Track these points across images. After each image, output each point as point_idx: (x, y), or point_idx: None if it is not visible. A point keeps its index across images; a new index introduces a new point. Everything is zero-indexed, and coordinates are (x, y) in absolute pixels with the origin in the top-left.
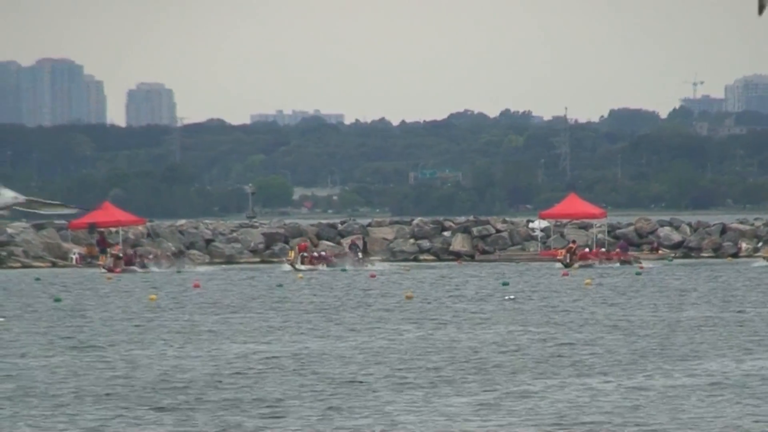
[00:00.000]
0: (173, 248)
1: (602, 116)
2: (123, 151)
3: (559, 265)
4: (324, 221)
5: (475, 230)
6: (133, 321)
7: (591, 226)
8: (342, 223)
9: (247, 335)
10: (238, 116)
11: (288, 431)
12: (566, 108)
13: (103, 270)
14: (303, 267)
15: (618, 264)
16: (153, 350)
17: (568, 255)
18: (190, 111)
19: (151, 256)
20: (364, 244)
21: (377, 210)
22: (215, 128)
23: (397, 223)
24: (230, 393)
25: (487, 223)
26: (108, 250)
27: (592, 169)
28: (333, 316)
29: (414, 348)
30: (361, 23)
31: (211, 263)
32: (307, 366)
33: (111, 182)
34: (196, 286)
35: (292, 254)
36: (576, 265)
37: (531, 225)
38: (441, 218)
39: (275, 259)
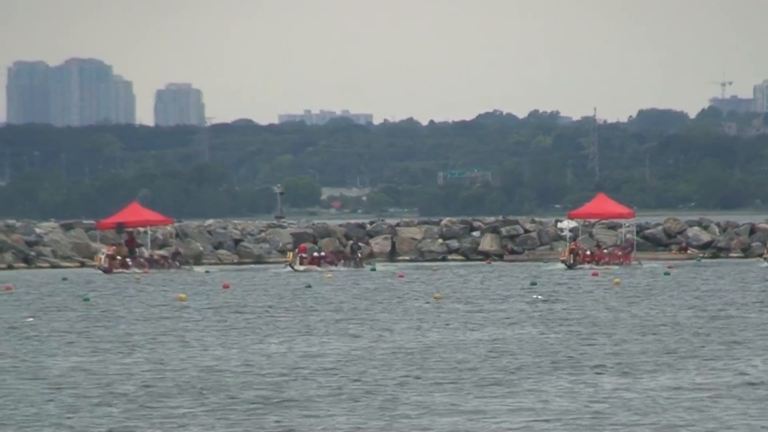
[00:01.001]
0: (168, 249)
1: (631, 116)
2: (151, 151)
3: (561, 266)
4: (352, 221)
5: (503, 230)
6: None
7: (620, 226)
8: (371, 223)
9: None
10: (266, 116)
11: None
12: (595, 108)
13: (99, 270)
14: (301, 268)
15: (619, 265)
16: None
17: (572, 256)
18: (218, 111)
19: (146, 255)
20: (359, 247)
21: (406, 210)
22: (243, 128)
23: (425, 223)
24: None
25: (516, 223)
26: (135, 250)
27: (620, 169)
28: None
29: (445, 348)
30: (390, 23)
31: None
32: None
33: (139, 182)
34: (226, 287)
35: (290, 255)
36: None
37: (559, 225)
38: (469, 218)
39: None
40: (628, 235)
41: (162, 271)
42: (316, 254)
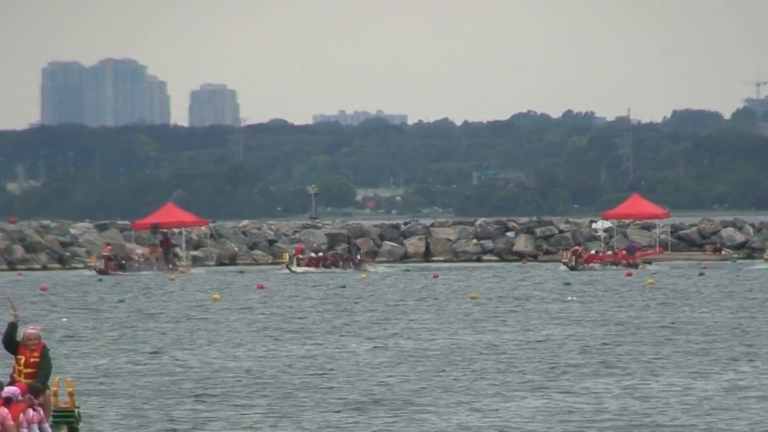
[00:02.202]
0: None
1: (665, 117)
2: (186, 151)
3: (564, 267)
4: (387, 222)
5: (538, 231)
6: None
7: (654, 226)
8: (405, 223)
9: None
10: (300, 117)
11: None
12: (629, 109)
13: (94, 272)
14: (299, 269)
15: (625, 267)
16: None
17: (574, 258)
18: (253, 111)
19: (142, 258)
20: (357, 248)
21: (440, 210)
22: (278, 129)
23: (460, 223)
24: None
25: (550, 223)
26: (170, 251)
27: (654, 169)
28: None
29: (479, 348)
30: (424, 24)
31: (206, 265)
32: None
33: (174, 183)
34: (260, 287)
35: (287, 257)
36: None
37: (594, 225)
38: (504, 219)
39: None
40: (662, 236)
41: (162, 271)
42: (313, 255)
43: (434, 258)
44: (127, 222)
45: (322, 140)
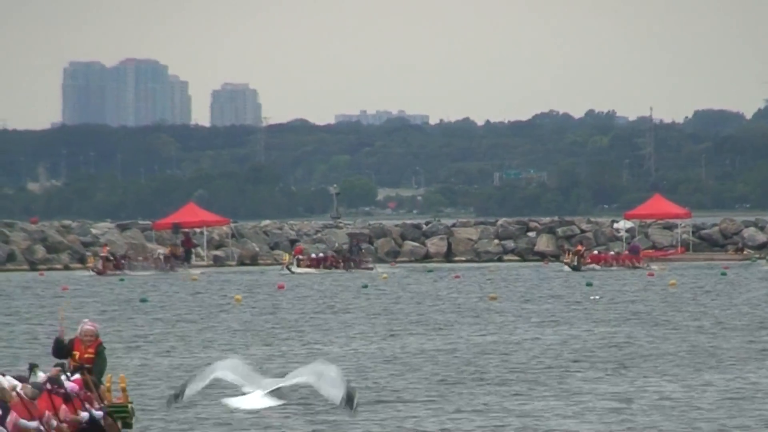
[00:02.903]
0: (161, 252)
1: (687, 117)
2: (207, 151)
3: (567, 268)
4: (408, 222)
5: (559, 230)
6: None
7: (675, 226)
8: (426, 223)
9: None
10: (322, 116)
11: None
12: (651, 108)
13: (92, 272)
14: (299, 270)
15: (629, 267)
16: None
17: (576, 258)
18: (274, 111)
19: (140, 258)
20: (359, 248)
21: (462, 210)
22: (299, 128)
23: (481, 223)
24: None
25: (572, 223)
26: (191, 250)
27: (676, 169)
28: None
29: (505, 348)
30: (446, 24)
31: (209, 265)
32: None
33: (195, 183)
34: (281, 287)
35: (286, 257)
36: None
37: (615, 225)
38: (526, 219)
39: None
40: (684, 236)
41: (160, 272)
42: (314, 256)
43: (456, 258)
44: (148, 222)
45: (344, 140)
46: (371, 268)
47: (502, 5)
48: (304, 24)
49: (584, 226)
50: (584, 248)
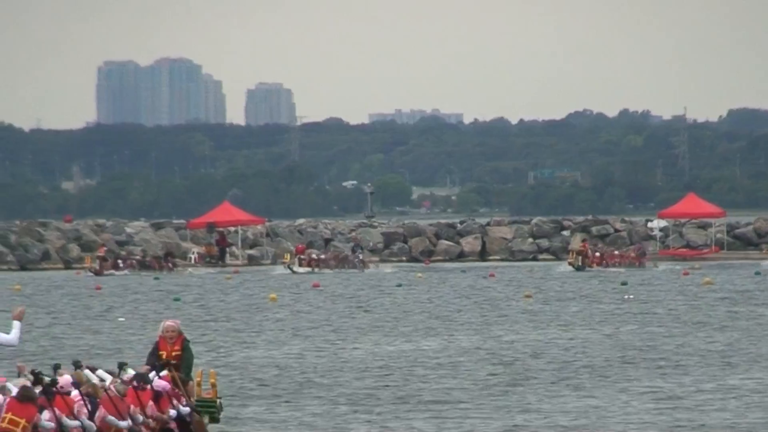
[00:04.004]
0: (160, 252)
1: (721, 116)
2: (242, 150)
3: (570, 269)
4: (443, 221)
5: (593, 230)
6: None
7: (710, 225)
8: (461, 222)
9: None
10: (356, 116)
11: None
12: (685, 107)
13: (90, 273)
14: (301, 270)
15: (636, 267)
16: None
17: (580, 257)
18: (308, 110)
19: (138, 258)
20: (361, 248)
21: (496, 209)
22: (334, 127)
23: (515, 222)
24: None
25: (606, 222)
26: (226, 249)
27: (710, 168)
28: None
29: (542, 347)
30: (479, 22)
31: (207, 265)
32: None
33: (230, 182)
34: (316, 286)
35: (288, 257)
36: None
37: (650, 224)
38: (560, 218)
39: (394, 259)
40: (718, 235)
41: (158, 272)
42: (315, 256)
43: (490, 257)
44: (182, 221)
45: (378, 139)
46: (375, 267)
47: (536, 4)
48: (338, 23)
49: (618, 226)
50: (587, 248)
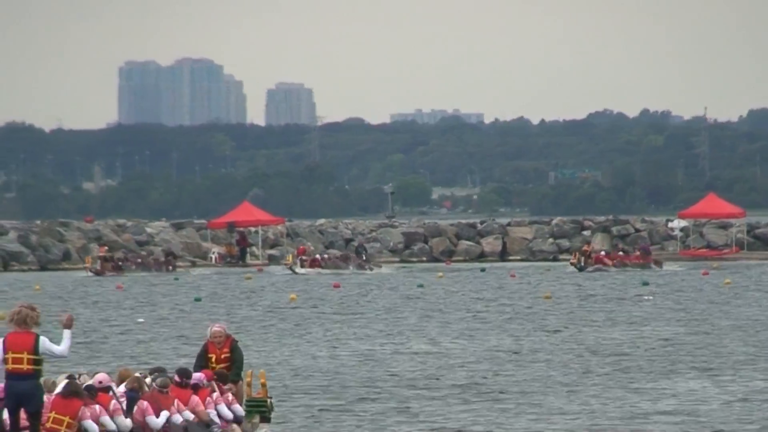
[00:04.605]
0: (162, 252)
1: (741, 116)
2: (262, 150)
3: (572, 269)
4: (463, 221)
5: (614, 230)
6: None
7: (730, 225)
8: (481, 222)
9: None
10: (377, 116)
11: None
12: (706, 108)
13: (90, 273)
14: (302, 270)
15: (639, 268)
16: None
17: (582, 258)
18: (329, 110)
19: (138, 261)
20: (364, 249)
21: (517, 209)
22: (354, 127)
23: (536, 222)
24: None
25: (627, 222)
26: (247, 249)
27: (731, 168)
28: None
29: (564, 348)
30: (500, 22)
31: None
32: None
33: (250, 182)
34: (336, 287)
35: (290, 258)
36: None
37: (670, 224)
38: (580, 218)
39: (414, 259)
40: (739, 235)
41: (156, 273)
42: (318, 256)
43: (510, 257)
44: (203, 221)
45: (399, 139)
46: (377, 267)
47: (556, 6)
48: (358, 23)
49: (639, 225)
50: (590, 248)
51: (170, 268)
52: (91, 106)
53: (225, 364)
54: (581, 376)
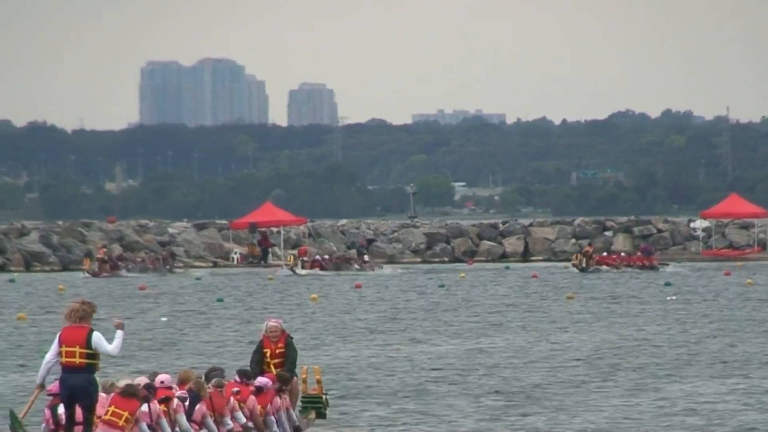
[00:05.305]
0: (162, 252)
1: (763, 116)
2: (284, 150)
3: (574, 270)
4: (485, 221)
5: (636, 230)
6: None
7: (752, 225)
8: (503, 223)
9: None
10: (399, 116)
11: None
12: (728, 108)
13: (87, 274)
14: (303, 272)
15: (639, 269)
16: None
17: (584, 259)
18: (351, 111)
19: (138, 260)
20: (366, 250)
21: (539, 210)
22: (376, 128)
23: (558, 223)
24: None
25: (649, 222)
26: (269, 250)
27: (753, 168)
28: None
29: (588, 348)
30: (522, 23)
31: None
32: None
33: (272, 182)
34: (358, 287)
35: (291, 259)
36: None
37: (692, 225)
38: (602, 218)
39: (436, 260)
40: (761, 235)
41: (158, 273)
42: (318, 258)
43: (533, 258)
44: (225, 221)
45: (421, 139)
46: (378, 268)
47: (578, 6)
48: (380, 24)
49: (661, 226)
50: (592, 248)
51: (168, 267)
52: (112, 107)
53: (279, 359)
54: (607, 375)
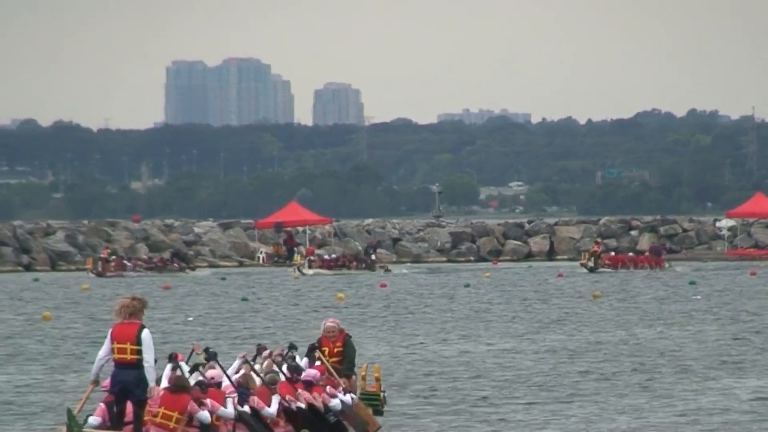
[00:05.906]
0: (167, 252)
1: None
2: (310, 150)
3: (584, 271)
4: (511, 221)
5: (661, 229)
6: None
7: None
8: (529, 222)
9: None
10: (425, 116)
11: None
12: (753, 107)
13: (91, 274)
14: (310, 271)
15: (648, 269)
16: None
17: (593, 258)
18: (377, 110)
19: (140, 261)
20: (374, 249)
21: (564, 209)
22: (402, 128)
23: (583, 222)
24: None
25: (674, 222)
26: (295, 249)
27: None
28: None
29: (616, 348)
30: (548, 22)
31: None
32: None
33: (298, 182)
34: (383, 286)
35: (299, 258)
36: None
37: (718, 224)
38: (628, 217)
39: (461, 259)
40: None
41: (163, 273)
42: (327, 257)
43: (558, 257)
44: (250, 220)
45: (446, 139)
46: (388, 270)
47: (603, 5)
48: (406, 23)
49: (686, 225)
50: (600, 248)
51: (176, 268)
52: (138, 106)
53: (337, 358)
54: (634, 375)
